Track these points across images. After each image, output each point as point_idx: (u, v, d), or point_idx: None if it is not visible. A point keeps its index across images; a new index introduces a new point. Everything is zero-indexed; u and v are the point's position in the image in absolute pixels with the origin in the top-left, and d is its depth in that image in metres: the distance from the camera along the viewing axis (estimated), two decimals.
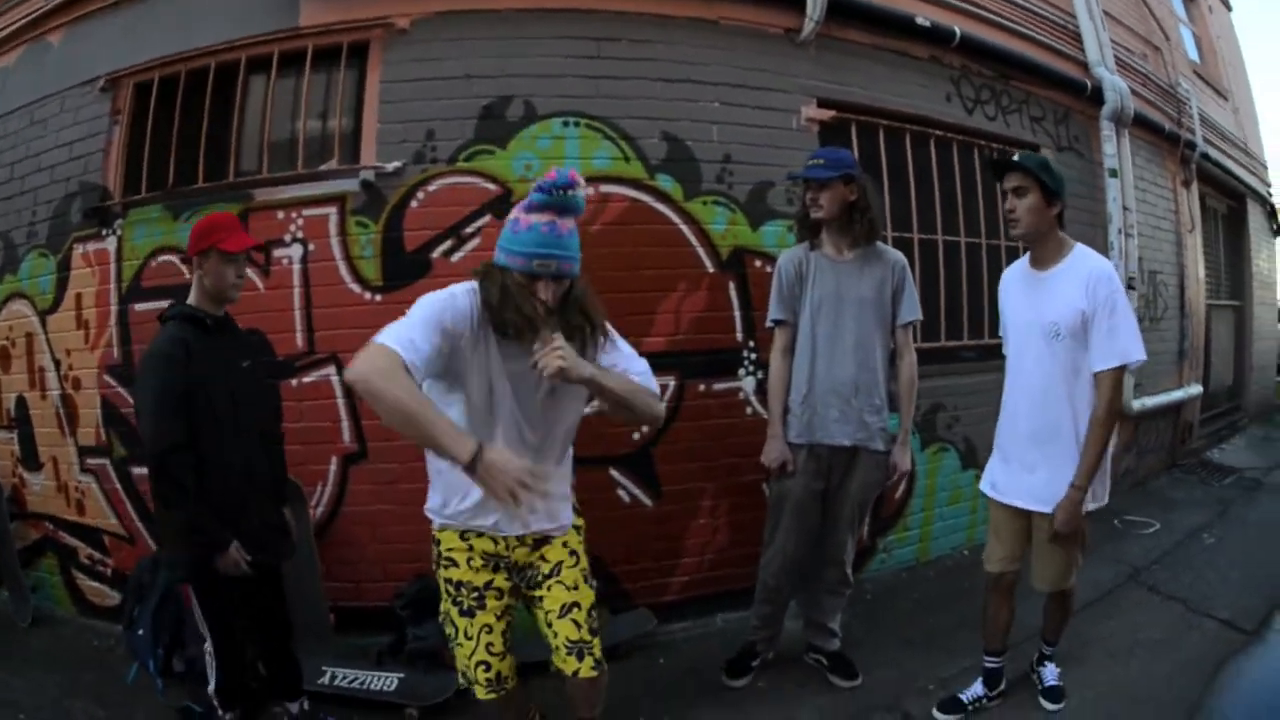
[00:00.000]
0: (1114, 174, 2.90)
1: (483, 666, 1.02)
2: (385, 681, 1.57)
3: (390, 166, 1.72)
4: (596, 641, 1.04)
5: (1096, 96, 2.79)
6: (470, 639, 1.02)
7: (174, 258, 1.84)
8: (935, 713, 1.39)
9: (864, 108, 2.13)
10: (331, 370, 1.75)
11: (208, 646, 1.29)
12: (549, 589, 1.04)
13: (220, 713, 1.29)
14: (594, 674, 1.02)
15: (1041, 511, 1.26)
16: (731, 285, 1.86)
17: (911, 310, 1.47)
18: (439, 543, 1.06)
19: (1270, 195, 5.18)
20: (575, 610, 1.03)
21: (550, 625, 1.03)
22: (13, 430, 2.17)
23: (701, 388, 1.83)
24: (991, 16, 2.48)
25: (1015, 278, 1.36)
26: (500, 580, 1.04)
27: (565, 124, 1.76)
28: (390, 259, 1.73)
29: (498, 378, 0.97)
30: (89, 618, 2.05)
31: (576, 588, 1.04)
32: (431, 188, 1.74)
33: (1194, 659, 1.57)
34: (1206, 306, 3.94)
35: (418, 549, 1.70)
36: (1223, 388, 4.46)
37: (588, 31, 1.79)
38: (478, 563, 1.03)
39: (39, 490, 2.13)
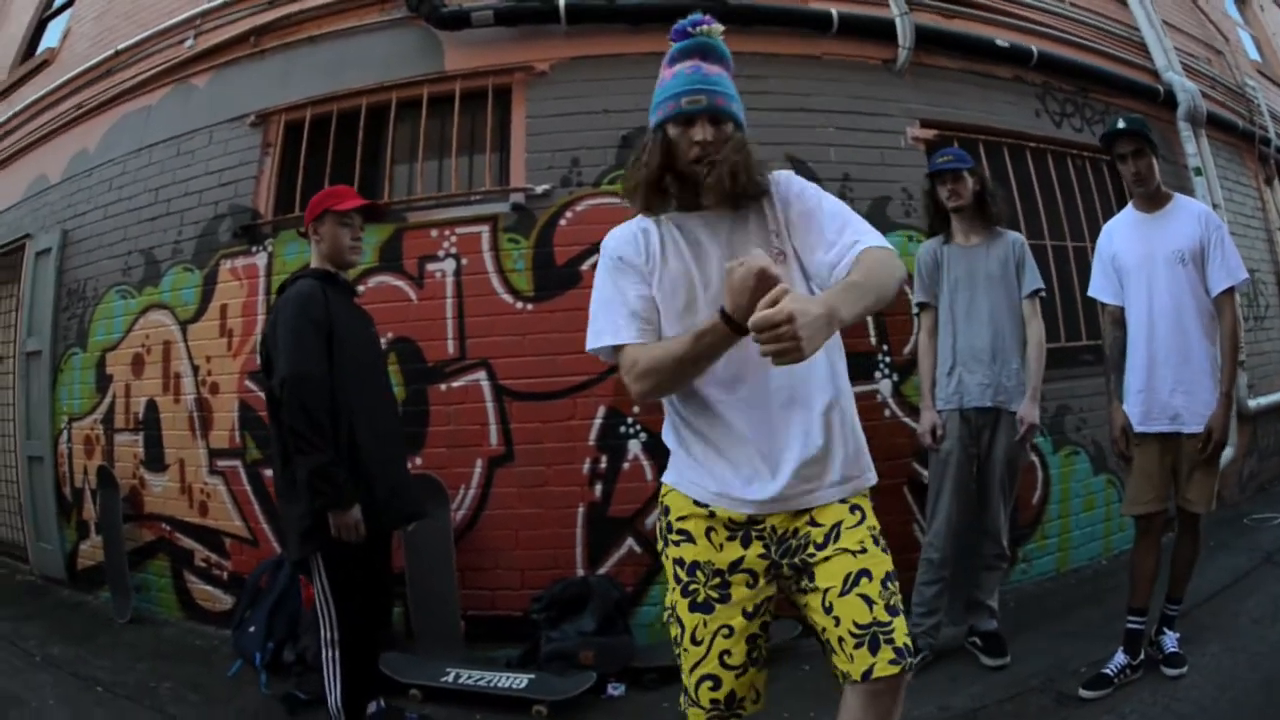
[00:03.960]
0: (1199, 172, 3.14)
1: (709, 683, 0.79)
2: (514, 680, 1.61)
3: (540, 189, 2.03)
4: (898, 624, 0.75)
5: (1170, 101, 3.07)
6: (699, 644, 0.79)
7: None
8: (1082, 691, 1.47)
9: (962, 125, 2.42)
10: (482, 375, 1.99)
11: (331, 652, 1.23)
12: (825, 560, 0.78)
13: None
14: (894, 670, 0.73)
15: (1191, 432, 1.46)
16: None
17: (1034, 281, 1.73)
18: (667, 510, 0.87)
19: None
20: (864, 581, 0.76)
21: (830, 610, 0.77)
22: (138, 432, 2.42)
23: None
24: (1065, 35, 2.82)
25: (1125, 223, 1.60)
26: (753, 558, 0.81)
27: None
28: (541, 271, 2.00)
29: (700, 284, 0.82)
30: (196, 621, 2.21)
31: (864, 550, 0.79)
32: (579, 208, 2.04)
33: None
34: None
35: (559, 555, 1.91)
36: None
37: None
38: (721, 536, 0.82)
39: (160, 491, 2.35)
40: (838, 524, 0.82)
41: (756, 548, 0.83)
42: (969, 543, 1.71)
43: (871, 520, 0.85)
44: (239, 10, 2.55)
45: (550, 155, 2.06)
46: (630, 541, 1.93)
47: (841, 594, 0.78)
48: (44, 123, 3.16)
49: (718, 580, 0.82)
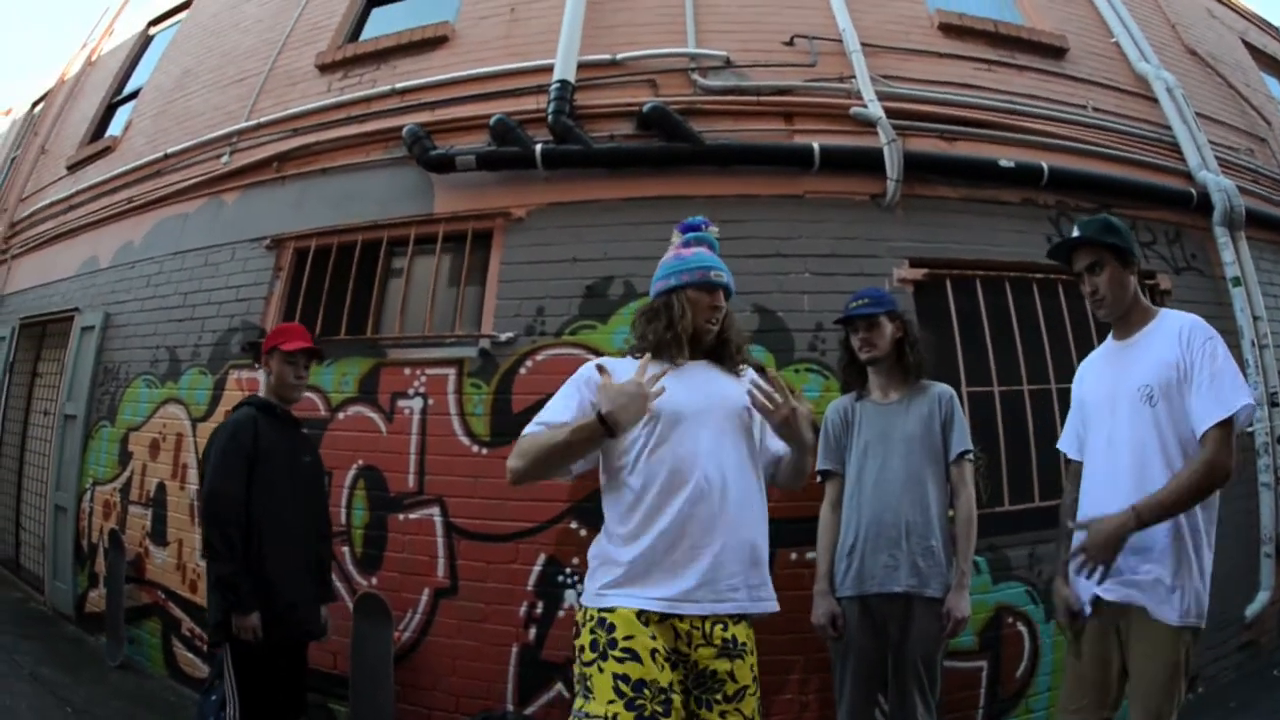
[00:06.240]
0: (1237, 282, 2.86)
1: None
2: None
3: (504, 337, 2.12)
4: None
5: (1204, 204, 2.81)
6: None
7: (315, 396, 2.29)
8: None
9: (958, 261, 2.29)
10: (436, 510, 2.08)
11: (230, 713, 1.44)
12: (723, 716, 1.04)
13: None
14: None
15: (1140, 608, 1.12)
16: None
17: (961, 441, 1.51)
18: (612, 627, 1.01)
19: None
20: None
21: None
22: (148, 508, 2.68)
23: (793, 556, 1.95)
24: (1081, 146, 2.65)
25: (1096, 357, 1.34)
26: (676, 681, 1.02)
27: None
28: (498, 417, 2.08)
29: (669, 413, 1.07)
30: (176, 681, 2.40)
31: (752, 719, 1.07)
32: (539, 357, 2.11)
33: None
34: None
35: (492, 688, 1.97)
36: None
37: (682, 216, 2.11)
38: (661, 658, 1.00)
39: (160, 563, 2.59)
40: (744, 689, 1.08)
41: (679, 673, 1.05)
42: None
43: (759, 694, 1.12)
44: (268, 134, 2.81)
45: (518, 303, 2.15)
46: (560, 687, 1.95)
47: None
48: (100, 207, 3.55)
49: (662, 697, 0.99)
